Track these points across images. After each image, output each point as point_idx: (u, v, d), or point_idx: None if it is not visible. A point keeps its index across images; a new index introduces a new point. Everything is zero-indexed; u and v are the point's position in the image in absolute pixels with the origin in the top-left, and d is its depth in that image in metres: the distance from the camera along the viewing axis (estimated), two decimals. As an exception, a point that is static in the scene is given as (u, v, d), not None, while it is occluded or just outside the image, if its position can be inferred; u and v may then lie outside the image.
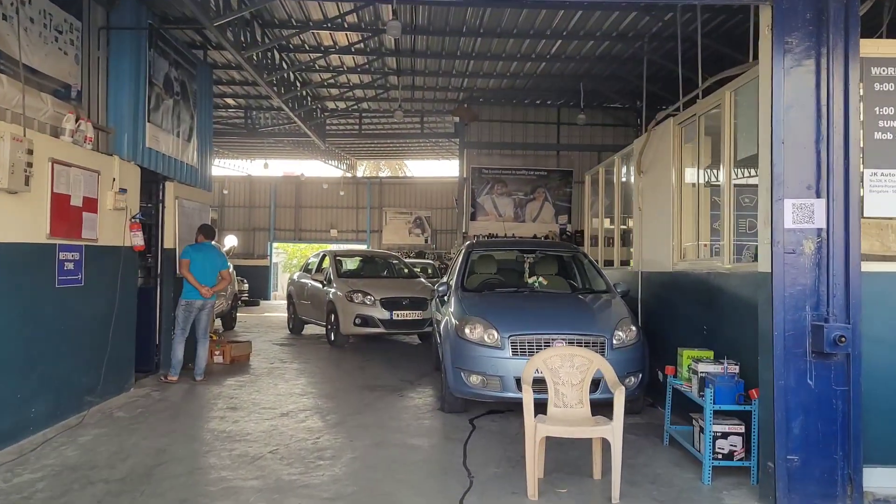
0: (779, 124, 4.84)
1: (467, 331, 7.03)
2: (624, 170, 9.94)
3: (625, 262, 10.16)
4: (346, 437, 6.53)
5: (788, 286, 4.81)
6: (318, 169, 33.78)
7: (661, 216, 7.92)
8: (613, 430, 4.99)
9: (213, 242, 9.77)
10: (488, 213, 16.41)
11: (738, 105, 6.31)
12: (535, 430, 5.03)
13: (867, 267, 4.85)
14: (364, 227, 33.24)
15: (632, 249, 9.97)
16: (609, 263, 10.55)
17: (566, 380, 5.49)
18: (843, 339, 4.58)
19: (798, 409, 4.78)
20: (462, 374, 6.97)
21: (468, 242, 9.37)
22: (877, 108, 5.10)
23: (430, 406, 7.87)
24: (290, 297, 15.83)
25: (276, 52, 12.06)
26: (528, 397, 5.13)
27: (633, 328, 7.10)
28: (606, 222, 11.17)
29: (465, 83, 14.43)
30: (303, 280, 14.99)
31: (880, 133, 5.10)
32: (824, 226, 4.80)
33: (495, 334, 6.87)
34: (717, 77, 6.69)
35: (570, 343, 6.73)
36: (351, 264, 15.16)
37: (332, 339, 12.90)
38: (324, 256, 14.71)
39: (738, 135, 6.28)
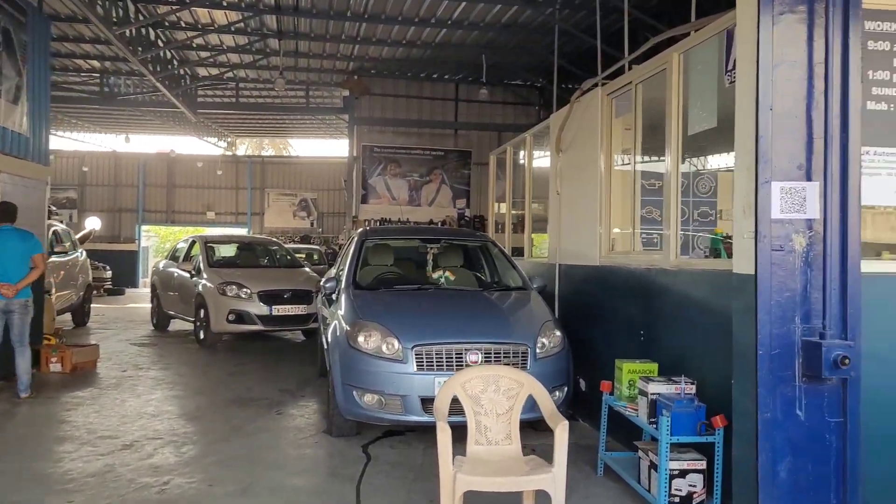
0: (766, 86, 3.79)
1: (361, 339, 5.71)
2: (536, 150, 8.87)
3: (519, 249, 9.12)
4: (205, 479, 5.08)
5: (776, 292, 3.78)
6: (194, 146, 31.29)
7: (585, 201, 6.88)
8: (555, 479, 3.83)
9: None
10: (381, 195, 15.05)
11: (688, 70, 5.29)
12: (454, 483, 3.80)
13: (863, 267, 3.90)
14: (244, 210, 31.11)
15: (532, 236, 8.97)
16: (518, 253, 9.49)
17: (490, 409, 4.30)
18: (846, 360, 3.60)
19: (786, 448, 3.78)
20: (354, 392, 5.66)
21: (361, 230, 8.02)
22: (870, 72, 4.16)
23: (315, 427, 6.51)
24: (153, 287, 14.01)
25: (128, 0, 10.17)
26: (444, 437, 3.90)
27: (558, 333, 6.01)
28: (514, 207, 10.11)
29: (356, 51, 12.97)
30: (169, 269, 13.21)
31: (874, 102, 4.16)
32: (818, 216, 3.80)
33: (396, 344, 5.59)
34: (661, 37, 5.65)
35: (488, 355, 5.55)
36: (225, 252, 13.48)
37: (202, 337, 11.30)
38: (193, 243, 12.95)
39: (690, 105, 5.26)
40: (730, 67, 4.73)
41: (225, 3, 10.36)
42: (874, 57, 4.17)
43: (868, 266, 3.94)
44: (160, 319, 13.49)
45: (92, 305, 14.77)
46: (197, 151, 31.57)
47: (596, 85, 6.73)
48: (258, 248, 13.57)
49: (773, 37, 3.78)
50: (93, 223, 29.74)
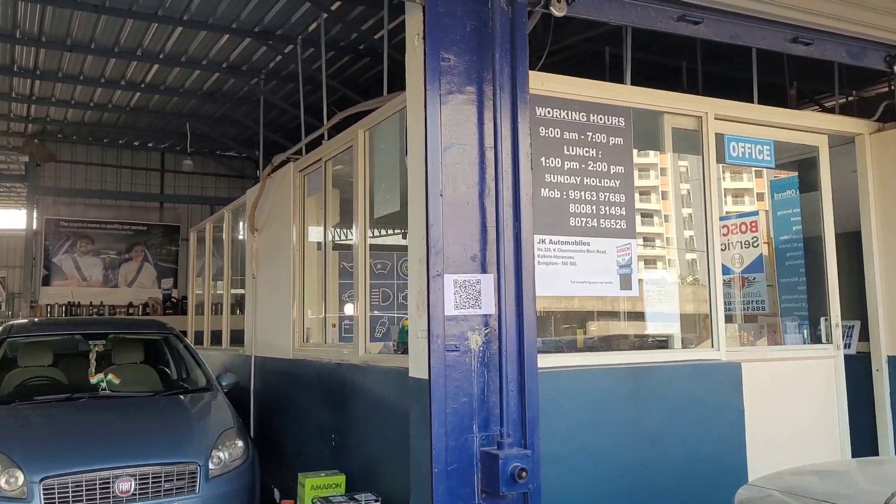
0: (436, 170, 3.45)
1: (-30, 474, 4.38)
2: (238, 226, 8.10)
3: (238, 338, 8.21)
4: None
5: (451, 399, 3.36)
6: None
7: (280, 286, 6.22)
8: None
9: None
10: (68, 276, 13.07)
11: (374, 148, 4.94)
12: None
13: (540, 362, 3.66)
14: None
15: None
16: (218, 340, 8.52)
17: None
18: (524, 473, 3.25)
19: (468, 578, 3.32)
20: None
21: (8, 324, 6.54)
22: (543, 159, 4.06)
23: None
24: None
25: None
26: None
27: (240, 442, 5.15)
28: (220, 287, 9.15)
29: (34, 111, 11.24)
30: None
31: (547, 190, 4.06)
32: (494, 311, 3.49)
33: (19, 477, 4.35)
34: (348, 112, 5.27)
35: (144, 480, 4.54)
36: None
37: None
38: None
39: (376, 186, 4.89)
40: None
41: None
42: (546, 144, 4.09)
43: (545, 361, 3.72)
44: None
45: None
46: None
47: (288, 160, 6.19)
48: None
49: (441, 117, 3.48)
50: None
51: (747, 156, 4.81)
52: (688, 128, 4.64)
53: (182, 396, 5.82)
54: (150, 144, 13.51)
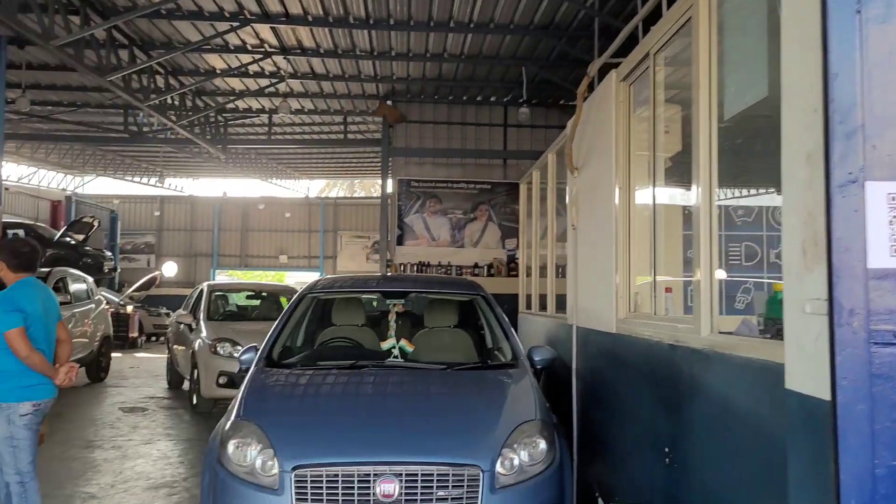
0: None
1: (231, 451, 3.76)
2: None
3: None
4: None
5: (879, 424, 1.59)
6: (266, 189, 30.78)
7: (601, 237, 4.75)
8: None
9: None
10: (419, 236, 13.19)
11: (725, 18, 3.16)
12: None
13: None
14: (317, 253, 30.21)
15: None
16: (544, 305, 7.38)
17: None
18: None
19: None
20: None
21: (312, 281, 6.13)
22: None
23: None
24: (167, 341, 12.69)
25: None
26: None
27: (542, 442, 3.83)
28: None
29: (379, 68, 11.30)
30: (180, 320, 11.79)
31: None
32: None
33: (272, 464, 3.60)
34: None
35: (412, 482, 3.49)
36: (236, 302, 11.95)
37: (194, 402, 9.70)
38: (201, 291, 11.50)
39: (727, 74, 3.12)
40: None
41: (232, 48, 8.93)
42: None
43: None
44: (172, 377, 12.06)
45: (138, 354, 13.99)
46: (272, 193, 31.06)
47: (610, 68, 4.64)
48: (271, 298, 11.87)
49: None
50: (170, 268, 29.63)
51: None
52: None
53: (482, 372, 4.69)
54: (492, 99, 12.99)
